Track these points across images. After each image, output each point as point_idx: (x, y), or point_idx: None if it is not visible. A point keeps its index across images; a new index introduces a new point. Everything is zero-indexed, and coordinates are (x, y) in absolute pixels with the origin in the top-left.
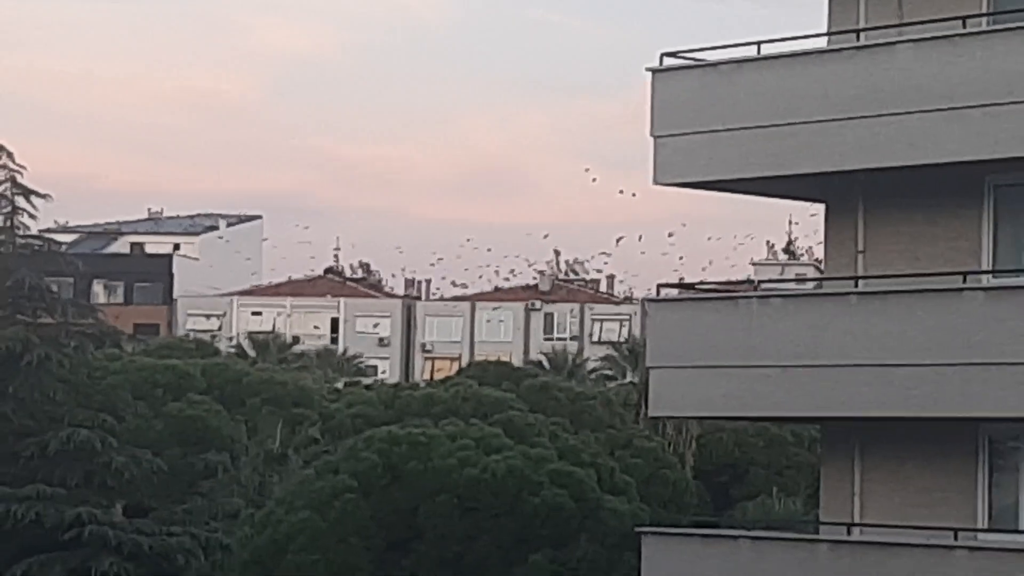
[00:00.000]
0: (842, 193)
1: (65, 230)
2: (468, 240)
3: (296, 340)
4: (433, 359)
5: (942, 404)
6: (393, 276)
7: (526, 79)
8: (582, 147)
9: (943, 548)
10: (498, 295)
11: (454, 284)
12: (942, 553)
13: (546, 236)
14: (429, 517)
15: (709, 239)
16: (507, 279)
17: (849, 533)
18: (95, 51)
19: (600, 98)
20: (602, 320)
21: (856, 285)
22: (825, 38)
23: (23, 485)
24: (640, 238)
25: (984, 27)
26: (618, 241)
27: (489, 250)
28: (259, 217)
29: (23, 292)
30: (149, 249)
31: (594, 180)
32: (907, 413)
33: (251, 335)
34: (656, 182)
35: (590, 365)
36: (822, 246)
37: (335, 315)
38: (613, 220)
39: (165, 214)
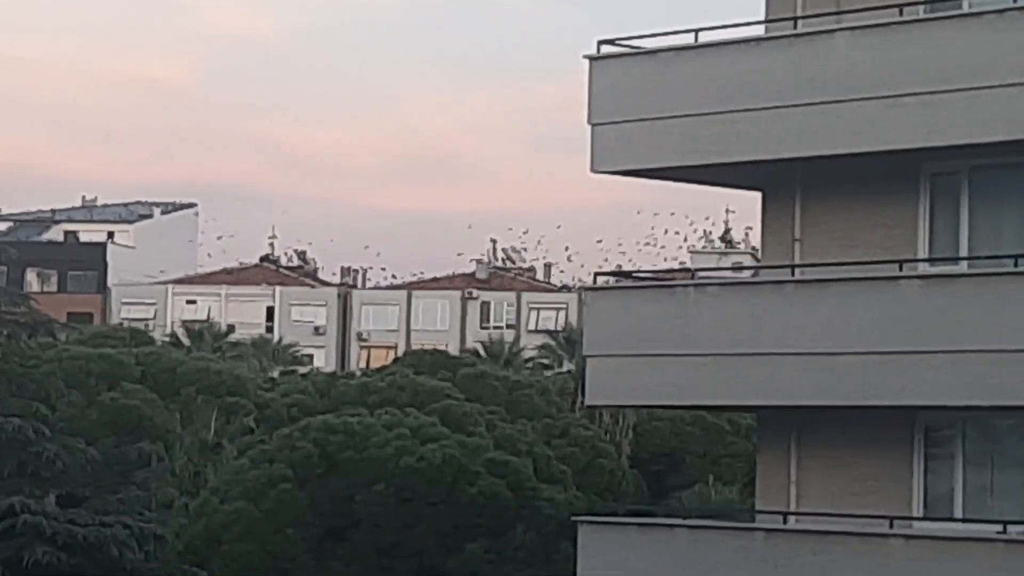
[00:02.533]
0: (779, 181)
1: None
2: (407, 228)
3: (231, 329)
4: (369, 348)
5: (879, 392)
6: (331, 268)
7: (470, 62)
8: (524, 131)
9: (879, 536)
10: (434, 283)
11: (385, 272)
12: (878, 541)
13: (469, 227)
14: (365, 506)
15: (652, 228)
16: (445, 267)
17: (785, 522)
18: (29, 34)
19: (543, 81)
20: (539, 308)
21: (793, 273)
22: (763, 26)
23: None
24: (563, 226)
25: (921, 15)
26: (558, 227)
27: (427, 243)
28: (194, 205)
29: None
30: (83, 237)
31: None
32: (844, 401)
33: (186, 324)
34: (594, 170)
35: (527, 354)
36: (759, 234)
37: (270, 304)
38: (552, 206)
39: (100, 202)
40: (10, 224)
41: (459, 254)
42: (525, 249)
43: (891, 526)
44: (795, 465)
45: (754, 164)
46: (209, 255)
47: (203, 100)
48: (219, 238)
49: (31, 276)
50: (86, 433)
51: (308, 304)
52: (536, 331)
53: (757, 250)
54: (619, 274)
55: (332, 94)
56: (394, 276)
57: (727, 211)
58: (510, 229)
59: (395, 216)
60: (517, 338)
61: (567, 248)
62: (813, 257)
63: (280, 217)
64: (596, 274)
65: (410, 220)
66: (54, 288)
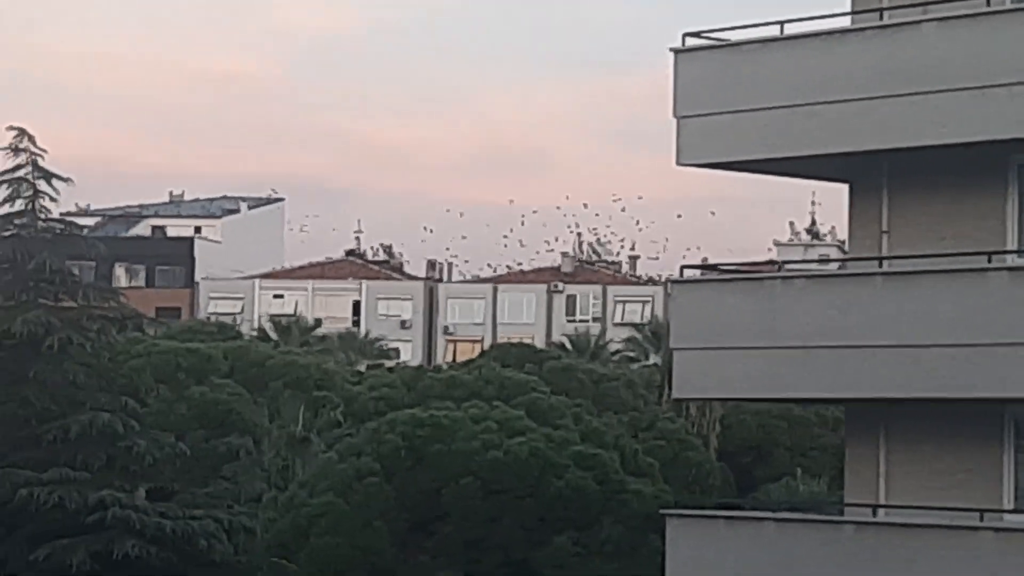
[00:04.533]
0: (866, 173)
1: (87, 213)
2: (491, 222)
3: (318, 323)
4: (455, 341)
5: (967, 385)
6: (417, 262)
7: (551, 55)
8: (606, 125)
9: (968, 529)
10: (520, 277)
11: (470, 266)
12: (967, 534)
13: (544, 225)
14: (452, 499)
15: (734, 220)
16: (532, 260)
17: (874, 514)
18: (117, 32)
19: (626, 74)
20: (624, 301)
21: (881, 265)
22: (849, 17)
23: (46, 469)
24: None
25: (1008, 5)
26: (637, 223)
27: (506, 236)
28: (281, 199)
29: (45, 276)
30: (171, 232)
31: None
32: (932, 394)
33: (273, 318)
34: (679, 163)
35: (613, 347)
36: (846, 226)
37: (357, 298)
38: (637, 199)
39: (186, 197)
40: (98, 219)
41: (548, 249)
42: (610, 242)
43: (981, 519)
44: (884, 458)
45: (840, 156)
46: (297, 248)
47: (287, 95)
48: (303, 229)
49: (119, 271)
50: (175, 427)
51: (394, 298)
52: (622, 324)
53: (843, 242)
54: (705, 267)
55: (414, 88)
56: (484, 269)
57: (813, 203)
58: (596, 227)
59: (480, 210)
60: (603, 331)
61: (653, 241)
62: (900, 249)
63: (365, 211)
64: (682, 267)
65: (495, 214)
66: (142, 283)
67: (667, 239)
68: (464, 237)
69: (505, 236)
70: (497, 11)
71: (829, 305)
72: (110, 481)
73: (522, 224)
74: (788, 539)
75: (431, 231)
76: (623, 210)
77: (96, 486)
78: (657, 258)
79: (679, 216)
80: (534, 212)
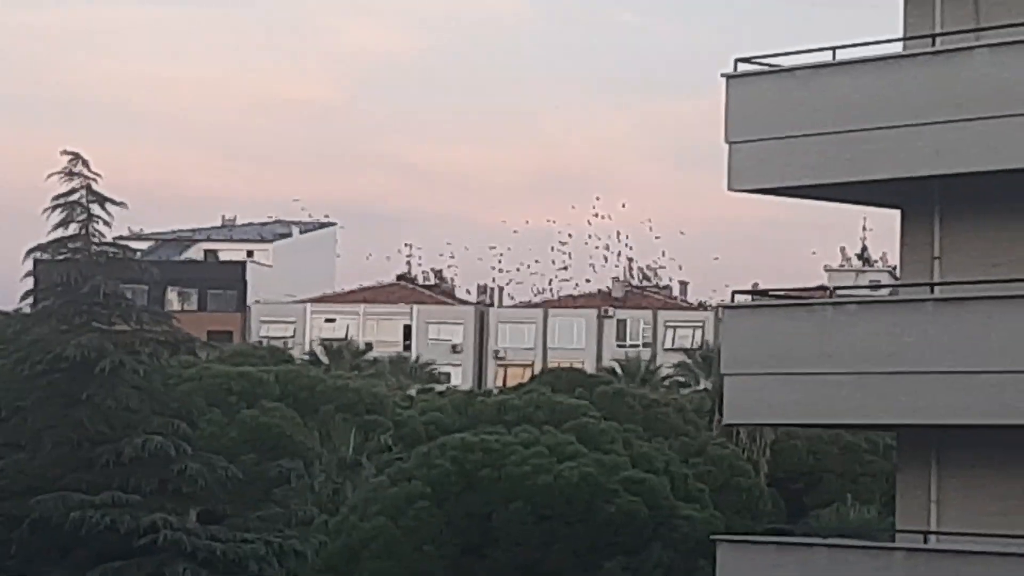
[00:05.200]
0: (918, 199)
1: (139, 237)
2: (542, 246)
3: (369, 347)
4: (506, 366)
5: (1019, 411)
6: (468, 287)
7: (606, 80)
8: (660, 150)
9: (1020, 556)
10: (571, 301)
11: (522, 290)
12: (1019, 561)
13: (608, 247)
14: (503, 524)
15: (784, 245)
16: (583, 284)
17: (926, 541)
18: (171, 55)
19: (680, 99)
20: (675, 326)
21: (932, 291)
22: (901, 43)
23: (98, 492)
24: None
25: None
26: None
27: (562, 260)
28: (333, 224)
29: (98, 299)
30: (223, 256)
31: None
32: (984, 420)
33: (324, 342)
34: (731, 188)
35: (663, 372)
36: (897, 252)
37: (408, 322)
38: (689, 224)
39: (239, 221)
40: (151, 243)
41: (602, 266)
42: (662, 267)
43: None
44: (935, 484)
45: (892, 182)
46: (350, 271)
47: (341, 120)
48: (350, 257)
49: (172, 295)
50: (226, 451)
51: (445, 322)
52: (673, 349)
53: (895, 268)
54: (756, 292)
55: (470, 112)
56: (536, 293)
57: (864, 228)
58: (647, 252)
59: (531, 234)
60: (653, 356)
61: (704, 265)
62: (952, 275)
63: (418, 235)
64: (734, 292)
65: (546, 238)
66: (194, 307)
67: (717, 260)
68: (518, 268)
69: (561, 261)
70: (553, 35)
71: (881, 331)
72: (162, 504)
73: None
74: (839, 566)
75: (481, 257)
76: (679, 234)
77: (148, 509)
78: (707, 279)
79: (730, 241)
80: (588, 238)
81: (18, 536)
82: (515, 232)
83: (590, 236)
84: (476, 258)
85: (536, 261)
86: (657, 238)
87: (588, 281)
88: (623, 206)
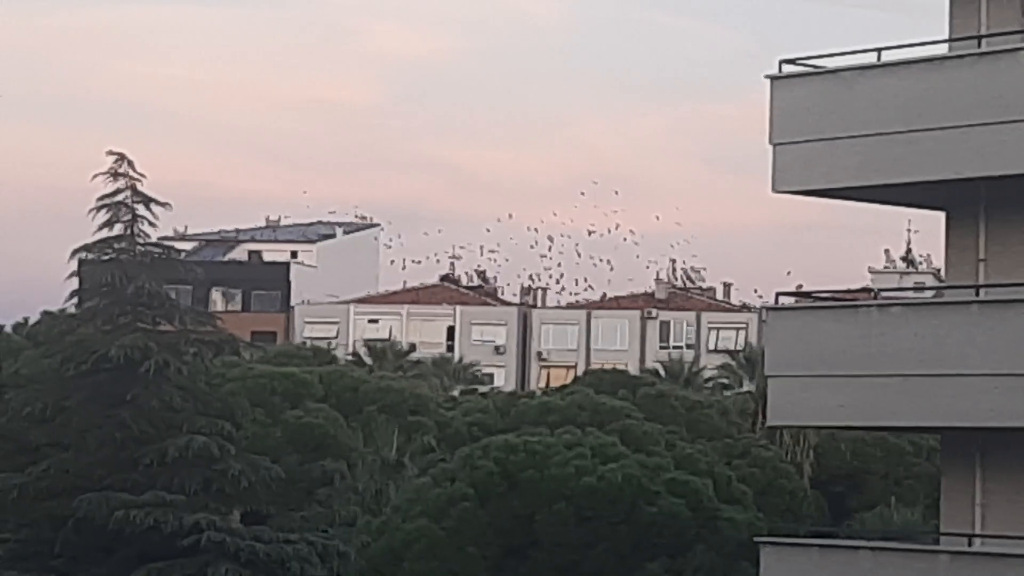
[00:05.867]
0: (963, 201)
1: (184, 238)
2: (584, 248)
3: (412, 348)
4: (549, 367)
5: None
6: (511, 288)
7: (646, 83)
8: (702, 152)
9: None
10: (614, 303)
11: (564, 292)
12: None
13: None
14: (546, 525)
15: (827, 246)
16: (626, 285)
17: (970, 544)
18: (214, 57)
19: (720, 101)
20: (718, 328)
21: (978, 293)
22: (946, 44)
23: (142, 492)
24: (742, 245)
25: None
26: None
27: (605, 260)
28: (377, 225)
29: (143, 300)
30: (267, 257)
31: (583, 194)
32: None
33: (368, 343)
34: (775, 190)
35: (706, 374)
36: (942, 254)
37: (451, 323)
38: (731, 226)
39: (283, 222)
40: (195, 244)
41: (646, 267)
42: (704, 268)
43: None
44: (979, 487)
45: (937, 184)
46: (394, 265)
47: (382, 121)
48: (403, 263)
49: (216, 295)
50: (270, 451)
51: (488, 323)
52: (716, 351)
53: (939, 270)
54: (800, 294)
55: (508, 115)
56: (579, 294)
57: (908, 230)
58: (690, 253)
59: (573, 236)
60: (697, 358)
61: (746, 268)
62: (998, 277)
63: (460, 237)
64: (778, 294)
65: (588, 240)
66: (238, 307)
67: (756, 264)
68: (559, 276)
69: (602, 261)
70: (593, 37)
71: (925, 333)
72: (205, 504)
73: (616, 250)
74: (883, 568)
75: (523, 259)
76: (718, 236)
77: (192, 509)
78: (751, 281)
79: (773, 244)
80: (628, 239)
81: (62, 536)
82: (559, 235)
83: (629, 238)
84: (518, 259)
85: (580, 257)
86: (689, 241)
87: (631, 280)
88: (676, 209)
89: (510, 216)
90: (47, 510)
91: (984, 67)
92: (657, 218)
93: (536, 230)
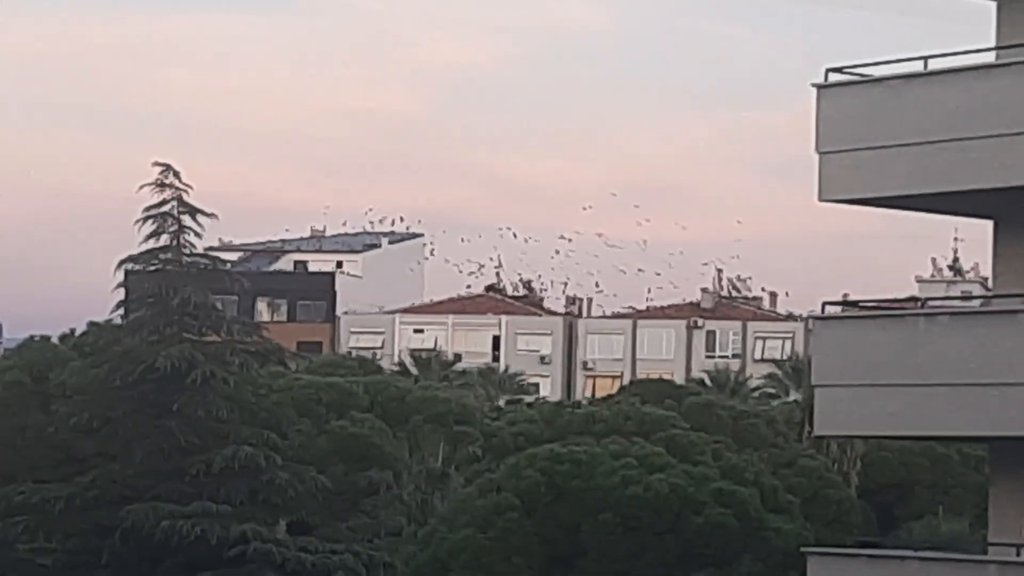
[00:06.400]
0: (1011, 209)
1: (230, 248)
2: (630, 257)
3: (458, 358)
4: (594, 377)
5: None
6: (557, 297)
7: (691, 91)
8: (747, 160)
9: None
10: (660, 312)
11: (610, 301)
12: None
13: (681, 252)
14: (592, 535)
15: (873, 255)
16: (672, 294)
17: (1018, 554)
18: (260, 67)
19: (766, 109)
20: (765, 337)
21: None
22: (994, 52)
23: (189, 502)
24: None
25: None
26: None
27: (652, 270)
28: (421, 235)
29: (189, 310)
30: (312, 267)
31: (614, 194)
32: None
33: (413, 353)
34: (822, 199)
35: (753, 383)
36: (989, 263)
37: (496, 333)
38: (777, 235)
39: (328, 232)
40: (241, 254)
41: (696, 274)
42: (750, 278)
43: None
44: None
45: (985, 192)
46: (439, 274)
47: (427, 131)
48: (439, 267)
49: (261, 305)
50: (316, 461)
51: (534, 333)
52: (762, 360)
53: (986, 279)
54: (847, 303)
55: (553, 123)
56: (624, 306)
57: (956, 239)
58: (734, 257)
59: (619, 245)
60: (743, 367)
61: (792, 277)
62: None
63: (506, 246)
64: (824, 303)
65: (634, 249)
66: (284, 317)
67: (803, 273)
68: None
69: (647, 270)
70: (638, 46)
71: (973, 342)
72: (252, 514)
73: (662, 259)
74: None
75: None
76: (764, 245)
77: (238, 519)
78: (795, 291)
79: (818, 253)
80: (673, 248)
81: (109, 545)
82: (605, 244)
83: (676, 248)
84: (564, 268)
85: (626, 267)
86: (737, 255)
87: (676, 287)
88: (738, 222)
89: (560, 226)
90: (94, 520)
91: None
92: (688, 227)
93: (580, 239)
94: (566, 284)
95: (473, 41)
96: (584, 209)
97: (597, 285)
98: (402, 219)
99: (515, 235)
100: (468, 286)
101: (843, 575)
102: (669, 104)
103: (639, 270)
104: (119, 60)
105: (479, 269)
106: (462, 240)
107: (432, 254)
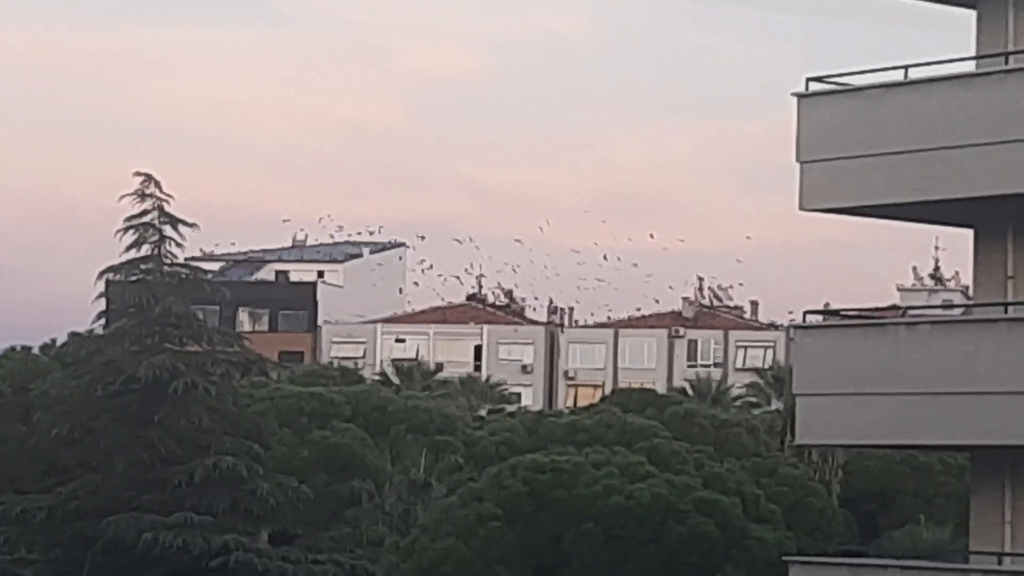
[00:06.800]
0: (991, 218)
1: (211, 258)
2: (610, 265)
3: (439, 367)
4: (576, 386)
5: None
6: (536, 299)
7: (671, 101)
8: (727, 169)
9: None
10: (641, 322)
11: (592, 311)
12: None
13: (672, 258)
14: (575, 545)
15: (853, 264)
16: (654, 304)
17: (1000, 563)
18: (240, 77)
19: (745, 119)
20: (746, 346)
21: (1006, 311)
22: (974, 61)
23: (170, 513)
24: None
25: None
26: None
27: (632, 279)
28: (403, 244)
29: (170, 320)
30: (293, 277)
31: (586, 211)
32: None
33: (395, 362)
34: (802, 208)
35: (734, 392)
36: (970, 271)
37: (478, 342)
38: (757, 244)
39: (309, 241)
40: (222, 264)
41: (669, 289)
42: (731, 287)
43: None
44: (1009, 505)
45: (965, 201)
46: (420, 284)
47: (410, 141)
48: (434, 271)
49: (243, 315)
50: (298, 471)
51: (516, 343)
52: (744, 369)
53: (967, 288)
54: (828, 312)
55: (535, 134)
56: (606, 315)
57: (936, 248)
58: (716, 271)
59: (599, 255)
60: (724, 376)
61: (773, 286)
62: None
63: (487, 256)
64: (805, 312)
65: (614, 259)
66: (265, 327)
67: (783, 282)
68: (585, 286)
69: (629, 280)
70: (620, 56)
71: (954, 351)
72: (234, 525)
73: (643, 269)
74: None
75: (554, 275)
76: (743, 255)
77: (220, 530)
78: (777, 299)
79: (799, 262)
80: (654, 257)
81: (91, 557)
82: (582, 253)
83: (656, 257)
84: (545, 279)
85: (600, 281)
86: (713, 261)
87: (657, 301)
88: (703, 227)
89: (539, 232)
90: (76, 531)
91: (1012, 84)
92: (681, 240)
93: (564, 248)
94: (552, 295)
95: (455, 51)
96: (549, 221)
97: (577, 302)
98: (381, 229)
99: (503, 245)
100: (441, 298)
101: None
102: (649, 114)
103: (621, 280)
104: (100, 70)
105: (459, 279)
106: (452, 252)
107: (418, 264)
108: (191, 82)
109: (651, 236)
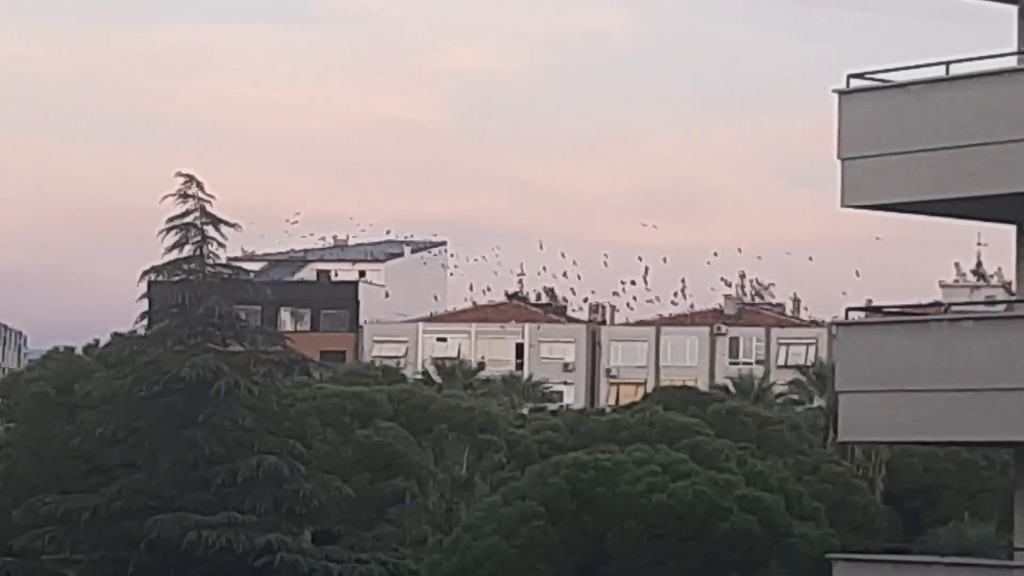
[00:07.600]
0: None
1: (252, 258)
2: (654, 264)
3: (481, 366)
4: (618, 384)
5: None
6: (576, 295)
7: (714, 98)
8: (771, 166)
9: None
10: (683, 319)
11: (634, 308)
12: None
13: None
14: (617, 542)
15: (896, 261)
16: (695, 301)
17: None
18: (282, 77)
19: (789, 116)
20: (788, 344)
21: None
22: (1015, 57)
23: (214, 512)
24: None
25: None
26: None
27: (675, 276)
28: (444, 243)
29: (213, 320)
30: (335, 276)
31: (654, 227)
32: None
33: (436, 361)
34: (844, 204)
35: (777, 389)
36: (1012, 267)
37: (520, 341)
38: (800, 241)
39: (351, 241)
40: (264, 264)
41: (712, 288)
42: (773, 284)
43: None
44: None
45: (1008, 197)
46: (462, 283)
47: (451, 139)
48: (471, 281)
49: (285, 315)
50: (341, 470)
51: (557, 341)
52: (786, 366)
53: (1010, 283)
54: (871, 309)
55: (579, 131)
56: (650, 313)
57: (979, 244)
58: (759, 268)
59: (643, 252)
60: (767, 373)
61: (815, 283)
62: None
63: (529, 254)
64: (848, 309)
65: (657, 256)
66: (307, 327)
67: (826, 278)
68: (633, 282)
69: (672, 277)
70: (662, 53)
71: (997, 347)
72: (277, 524)
73: (686, 266)
74: None
75: (596, 272)
76: (788, 251)
77: (263, 529)
78: (821, 296)
79: (841, 258)
80: (699, 253)
81: (135, 556)
82: (624, 249)
83: (699, 253)
84: (588, 276)
85: (641, 278)
86: (759, 258)
87: (699, 296)
88: (746, 223)
89: (582, 229)
90: (120, 531)
91: None
92: (712, 234)
93: (606, 246)
94: (594, 292)
95: (496, 49)
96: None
97: (618, 293)
98: (423, 228)
99: (541, 245)
100: (487, 289)
101: None
102: (693, 110)
103: (664, 277)
104: (143, 70)
105: (497, 274)
106: (494, 252)
107: (461, 263)
108: (233, 81)
109: (691, 232)
